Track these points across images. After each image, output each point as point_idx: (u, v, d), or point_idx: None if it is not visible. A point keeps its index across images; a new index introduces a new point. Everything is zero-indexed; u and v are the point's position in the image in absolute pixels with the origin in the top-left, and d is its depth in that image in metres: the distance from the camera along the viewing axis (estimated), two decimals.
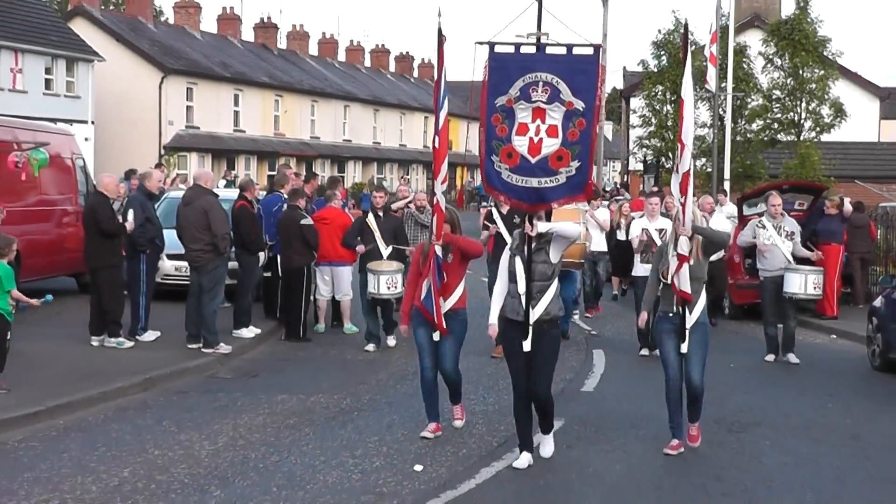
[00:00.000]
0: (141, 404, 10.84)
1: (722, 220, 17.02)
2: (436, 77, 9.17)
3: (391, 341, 14.32)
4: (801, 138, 31.38)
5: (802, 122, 31.61)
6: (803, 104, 31.45)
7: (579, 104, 8.48)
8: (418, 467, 8.64)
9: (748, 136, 32.22)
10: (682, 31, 32.51)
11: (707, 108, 31.89)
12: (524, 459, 8.74)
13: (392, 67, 70.90)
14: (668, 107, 33.98)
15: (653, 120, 35.19)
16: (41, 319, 14.97)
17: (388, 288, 13.33)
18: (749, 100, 32.22)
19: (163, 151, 43.58)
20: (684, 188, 8.92)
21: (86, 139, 37.39)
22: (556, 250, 8.65)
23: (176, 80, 45.43)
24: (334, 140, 56.64)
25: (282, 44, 59.99)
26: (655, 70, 34.81)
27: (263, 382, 12.14)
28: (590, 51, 8.56)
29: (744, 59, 31.87)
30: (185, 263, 14.30)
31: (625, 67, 51.56)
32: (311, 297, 15.16)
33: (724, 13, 29.13)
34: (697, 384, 9.21)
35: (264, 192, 18.49)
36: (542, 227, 8.58)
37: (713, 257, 15.63)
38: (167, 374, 12.04)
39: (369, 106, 60.50)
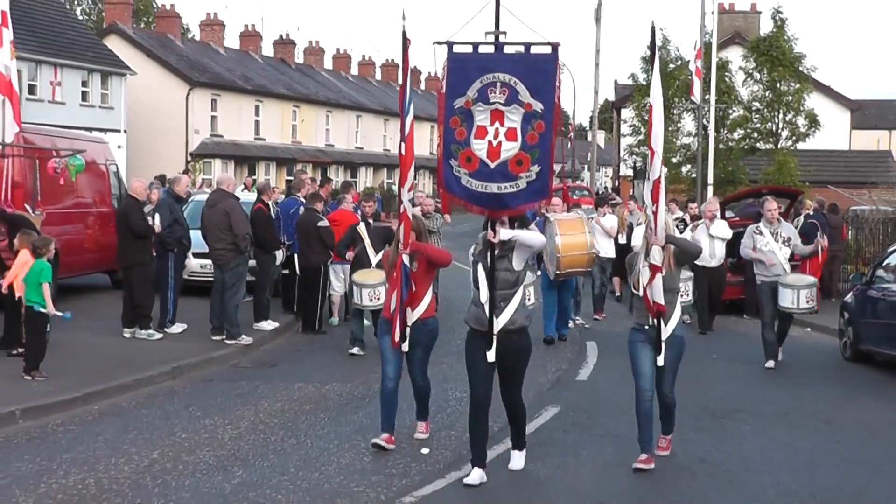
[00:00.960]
0: (169, 391, 10.87)
1: (723, 226, 16.06)
2: (401, 81, 8.23)
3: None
4: (779, 146, 31.37)
5: (780, 131, 31.60)
6: (780, 115, 31.42)
7: (538, 105, 7.57)
8: (425, 450, 8.62)
9: (730, 144, 32.14)
10: (662, 43, 32.55)
11: (692, 119, 31.88)
12: (476, 475, 7.71)
13: (401, 81, 70.76)
14: None
15: (642, 129, 35.10)
16: (78, 313, 14.95)
17: (371, 300, 12.25)
18: (731, 111, 32.16)
19: (189, 158, 43.55)
20: (655, 196, 7.99)
21: (118, 147, 37.40)
22: (520, 258, 7.74)
23: (201, 92, 45.45)
24: (347, 147, 56.64)
25: (299, 58, 59.91)
26: (644, 83, 34.72)
27: (282, 371, 12.15)
28: (548, 49, 7.63)
29: (726, 74, 31.79)
30: (210, 261, 14.31)
31: (616, 80, 51.37)
32: (327, 293, 15.13)
33: (707, 31, 29.05)
34: (670, 399, 8.41)
35: (283, 196, 18.51)
36: (504, 233, 7.67)
37: (713, 263, 15.58)
38: (193, 364, 12.06)
39: (380, 116, 60.45)
